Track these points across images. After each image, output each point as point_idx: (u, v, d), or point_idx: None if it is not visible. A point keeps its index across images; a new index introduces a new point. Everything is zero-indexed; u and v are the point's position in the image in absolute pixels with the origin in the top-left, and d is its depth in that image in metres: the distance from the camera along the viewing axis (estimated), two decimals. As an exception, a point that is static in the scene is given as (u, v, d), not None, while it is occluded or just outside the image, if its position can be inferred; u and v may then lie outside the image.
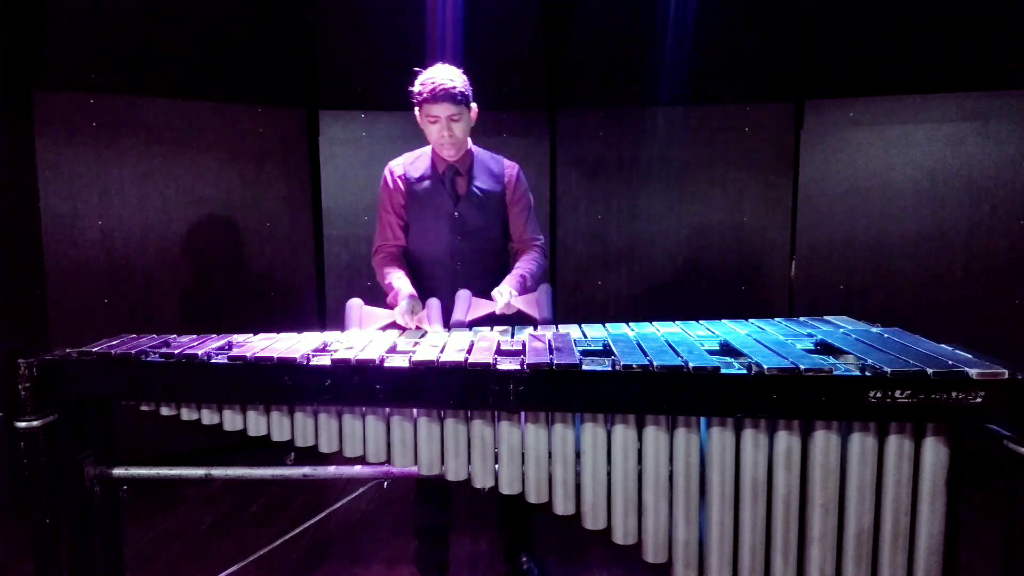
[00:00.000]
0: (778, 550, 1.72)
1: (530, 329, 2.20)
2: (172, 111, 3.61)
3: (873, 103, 3.67)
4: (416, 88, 2.30)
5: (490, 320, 2.27)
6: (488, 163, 2.49)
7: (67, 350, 1.94)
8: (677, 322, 2.24)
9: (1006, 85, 3.48)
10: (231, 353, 1.88)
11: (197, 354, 1.88)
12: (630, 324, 2.23)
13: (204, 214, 3.73)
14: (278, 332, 2.12)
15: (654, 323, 2.23)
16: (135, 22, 3.48)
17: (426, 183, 2.43)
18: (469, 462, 1.84)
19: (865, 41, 3.66)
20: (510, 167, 2.51)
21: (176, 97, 3.62)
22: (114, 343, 2.02)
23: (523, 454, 1.80)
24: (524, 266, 2.44)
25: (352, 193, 3.99)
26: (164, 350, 1.92)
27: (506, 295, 2.25)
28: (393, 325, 2.28)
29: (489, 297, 2.29)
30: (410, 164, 2.47)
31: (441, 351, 1.88)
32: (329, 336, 2.08)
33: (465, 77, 2.33)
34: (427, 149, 2.47)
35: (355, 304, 2.29)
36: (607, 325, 2.23)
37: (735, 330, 2.12)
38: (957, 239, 3.60)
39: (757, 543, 1.73)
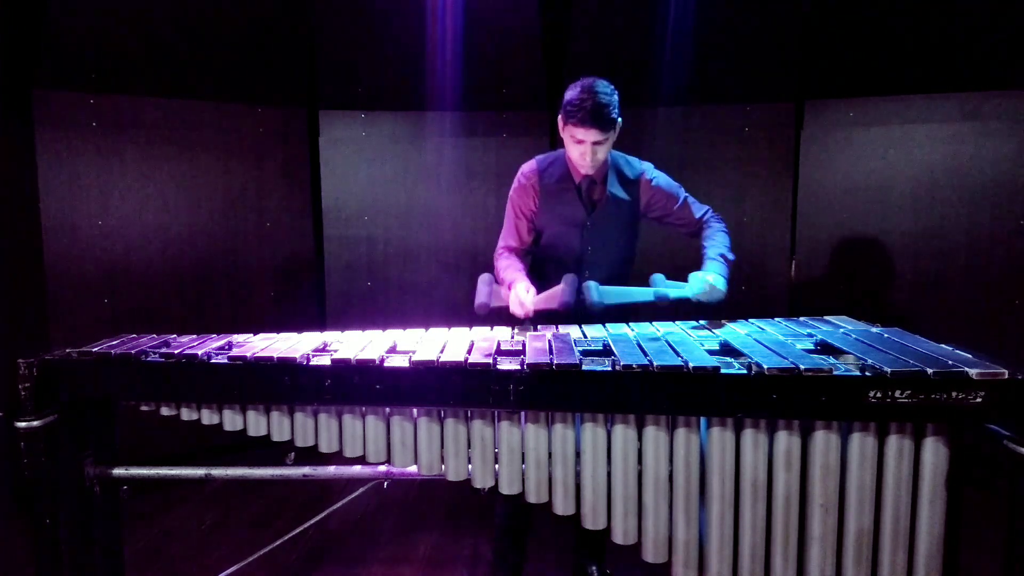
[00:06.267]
0: (778, 550, 1.72)
1: (531, 329, 2.20)
2: (172, 111, 3.61)
3: (873, 103, 3.67)
4: (567, 101, 2.21)
5: (684, 304, 2.24)
6: (624, 169, 2.42)
7: (67, 350, 1.94)
8: (677, 322, 2.24)
9: (1006, 85, 3.48)
10: (231, 353, 1.89)
11: (197, 354, 1.88)
12: (630, 324, 2.23)
13: (204, 214, 3.73)
14: (278, 332, 2.13)
15: (654, 323, 2.23)
16: (135, 22, 3.48)
17: (561, 189, 2.37)
18: (469, 462, 1.84)
19: (865, 41, 3.65)
20: (644, 173, 2.44)
21: (176, 97, 3.62)
22: (114, 343, 2.02)
23: (523, 454, 1.80)
24: (718, 244, 2.38)
25: (352, 193, 3.98)
26: (164, 350, 1.92)
27: (717, 283, 2.21)
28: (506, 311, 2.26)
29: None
30: (545, 169, 2.40)
31: (441, 351, 1.88)
32: (329, 336, 2.08)
33: (617, 96, 2.22)
34: (562, 153, 2.39)
35: (486, 277, 2.27)
36: (607, 325, 2.23)
37: (735, 330, 2.12)
38: (957, 239, 3.59)
39: (757, 543, 1.73)
